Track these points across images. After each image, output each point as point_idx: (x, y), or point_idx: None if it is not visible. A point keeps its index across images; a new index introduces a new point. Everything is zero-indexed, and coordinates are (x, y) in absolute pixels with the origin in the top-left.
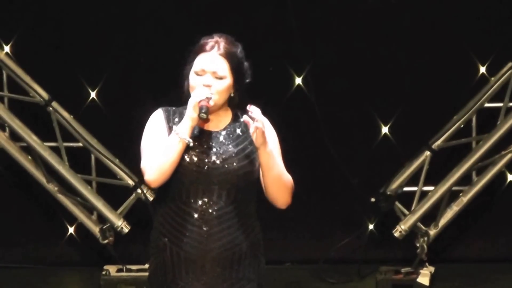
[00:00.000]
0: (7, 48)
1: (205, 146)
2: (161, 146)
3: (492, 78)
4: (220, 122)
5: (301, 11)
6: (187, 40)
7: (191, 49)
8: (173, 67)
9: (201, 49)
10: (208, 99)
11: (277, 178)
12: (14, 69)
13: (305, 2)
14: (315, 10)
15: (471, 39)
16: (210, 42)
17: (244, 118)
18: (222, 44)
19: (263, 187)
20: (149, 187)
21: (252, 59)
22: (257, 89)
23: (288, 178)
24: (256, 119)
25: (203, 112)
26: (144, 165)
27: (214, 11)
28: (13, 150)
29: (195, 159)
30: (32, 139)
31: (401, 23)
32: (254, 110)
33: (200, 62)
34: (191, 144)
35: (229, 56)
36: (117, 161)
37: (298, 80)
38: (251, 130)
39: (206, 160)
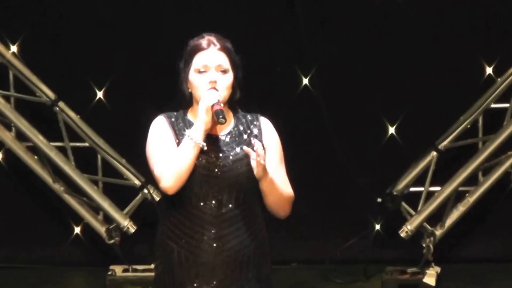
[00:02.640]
0: (13, 48)
1: (213, 149)
2: (174, 153)
3: (499, 79)
4: (223, 124)
5: (309, 11)
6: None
7: (183, 52)
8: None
9: (198, 49)
10: (219, 101)
11: (277, 199)
12: (21, 69)
13: (312, 2)
14: (323, 11)
15: (477, 39)
16: (204, 41)
17: (244, 148)
18: (216, 40)
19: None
20: (165, 194)
21: (260, 60)
22: (264, 89)
23: (288, 193)
24: (258, 154)
25: (221, 118)
26: (159, 172)
27: (221, 12)
28: (19, 150)
29: (205, 163)
30: (39, 139)
31: (408, 23)
32: (257, 145)
33: (202, 59)
34: (205, 148)
35: (227, 50)
36: (123, 161)
37: (305, 81)
38: (252, 161)
39: (216, 164)
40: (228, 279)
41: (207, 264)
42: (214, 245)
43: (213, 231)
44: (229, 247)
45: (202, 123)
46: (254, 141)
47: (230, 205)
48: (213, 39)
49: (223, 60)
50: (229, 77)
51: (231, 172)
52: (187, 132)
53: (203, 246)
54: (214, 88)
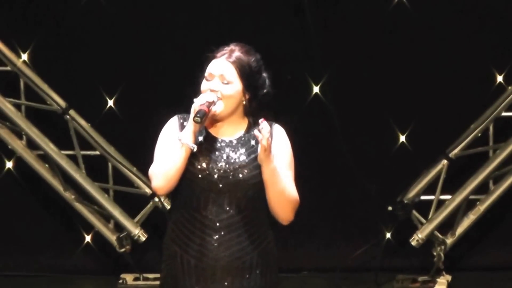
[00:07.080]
0: (24, 56)
1: (216, 154)
2: (166, 154)
3: (510, 87)
4: (234, 130)
5: (320, 19)
6: (205, 48)
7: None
8: (191, 76)
9: (212, 56)
10: (210, 103)
11: (279, 194)
12: (32, 77)
13: (323, 10)
14: (333, 18)
15: (488, 47)
16: (224, 50)
17: (255, 132)
18: (235, 52)
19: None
20: (156, 195)
21: (270, 68)
22: (275, 97)
23: (292, 194)
24: (263, 136)
25: (198, 116)
26: (151, 172)
27: (232, 20)
28: (30, 158)
29: (206, 166)
30: (49, 147)
31: (418, 31)
32: (264, 126)
33: (210, 67)
34: (195, 150)
35: (237, 62)
36: (134, 169)
37: (316, 89)
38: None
39: (217, 169)
40: (228, 285)
41: (207, 269)
42: (215, 250)
43: (214, 237)
44: (229, 253)
45: (191, 124)
46: (262, 126)
47: (231, 211)
48: (234, 50)
49: (228, 71)
50: (232, 88)
51: (232, 178)
52: (178, 134)
53: (204, 251)
54: (214, 91)
